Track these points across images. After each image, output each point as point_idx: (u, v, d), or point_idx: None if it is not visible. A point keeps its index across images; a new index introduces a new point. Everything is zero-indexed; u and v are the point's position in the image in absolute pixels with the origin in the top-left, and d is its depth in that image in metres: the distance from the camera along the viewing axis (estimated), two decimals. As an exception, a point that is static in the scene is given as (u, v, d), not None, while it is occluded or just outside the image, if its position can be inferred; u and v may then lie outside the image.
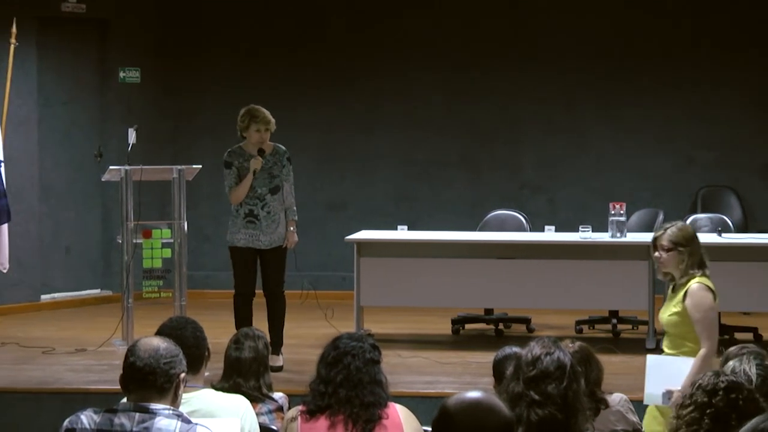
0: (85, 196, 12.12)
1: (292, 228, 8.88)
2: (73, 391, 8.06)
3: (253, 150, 8.79)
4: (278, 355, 8.73)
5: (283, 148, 8.93)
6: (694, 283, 6.47)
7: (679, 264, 6.49)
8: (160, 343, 3.97)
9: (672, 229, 6.55)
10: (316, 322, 9.96)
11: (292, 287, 12.20)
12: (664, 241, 6.52)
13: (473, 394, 3.29)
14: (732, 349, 4.78)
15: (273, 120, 8.82)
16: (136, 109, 12.18)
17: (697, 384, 3.90)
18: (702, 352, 6.35)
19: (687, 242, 6.51)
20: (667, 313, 6.57)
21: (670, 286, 6.67)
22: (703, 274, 6.50)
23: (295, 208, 8.94)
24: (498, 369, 5.26)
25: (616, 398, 5.51)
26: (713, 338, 6.40)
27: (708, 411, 3.81)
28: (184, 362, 3.99)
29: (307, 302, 11.52)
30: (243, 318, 8.73)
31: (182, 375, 3.96)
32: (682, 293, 6.49)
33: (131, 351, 3.95)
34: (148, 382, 3.89)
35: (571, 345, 5.41)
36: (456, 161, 12.49)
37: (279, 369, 8.55)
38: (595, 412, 5.23)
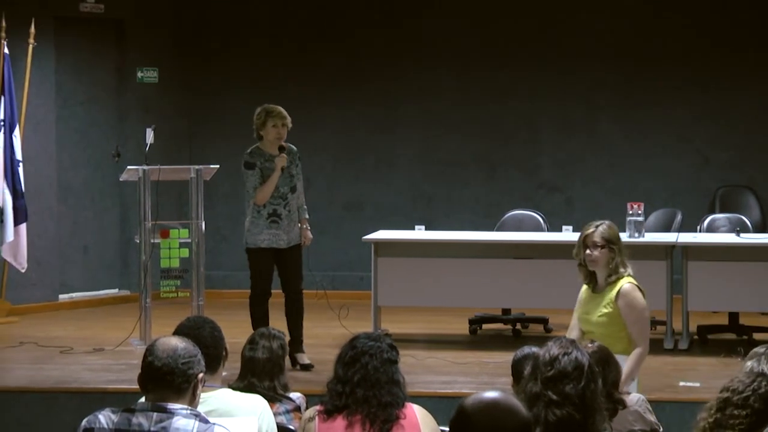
0: (103, 196, 12.15)
1: (306, 226, 8.89)
2: (90, 391, 8.07)
3: (272, 148, 8.76)
4: (304, 352, 8.75)
5: (294, 147, 8.92)
6: (626, 283, 6.46)
7: (609, 262, 6.47)
8: (179, 343, 3.96)
9: (603, 227, 6.56)
10: (333, 322, 9.96)
11: (309, 287, 12.24)
12: (597, 238, 6.51)
13: (491, 394, 3.28)
14: (758, 348, 4.76)
15: (289, 117, 8.80)
16: (153, 109, 12.20)
17: (750, 386, 3.77)
18: (638, 351, 6.40)
19: (617, 240, 6.52)
20: (596, 314, 6.51)
21: (587, 287, 6.63)
22: (629, 274, 6.47)
23: (305, 206, 8.95)
24: (516, 369, 5.24)
25: (633, 398, 5.50)
26: (647, 337, 6.47)
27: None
28: (202, 363, 3.98)
29: (325, 302, 11.53)
30: (261, 318, 8.72)
31: (200, 375, 3.95)
32: (613, 293, 6.46)
33: (150, 350, 3.95)
34: (165, 382, 3.89)
35: (590, 345, 5.41)
36: (473, 161, 12.48)
37: (309, 367, 8.59)
38: (612, 412, 5.21)
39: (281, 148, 8.74)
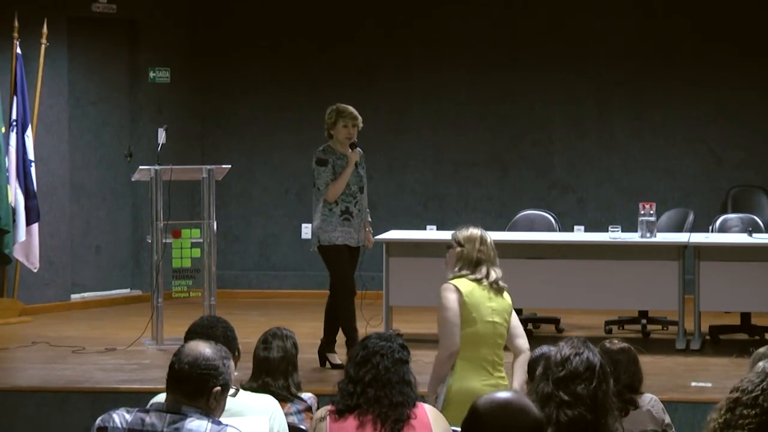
0: (115, 196, 12.17)
1: (369, 229, 8.88)
2: (103, 391, 8.07)
3: (342, 148, 8.73)
4: (336, 353, 8.77)
5: (361, 150, 8.89)
6: (444, 283, 6.32)
7: (455, 264, 6.40)
8: (205, 351, 3.92)
9: (461, 228, 6.47)
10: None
11: (321, 287, 12.24)
12: (450, 239, 6.45)
13: (503, 395, 3.28)
14: (762, 349, 4.76)
15: (360, 117, 8.80)
16: (165, 109, 12.22)
17: (759, 386, 3.74)
18: (437, 353, 6.21)
19: (464, 242, 6.39)
20: None
21: None
22: (466, 276, 6.26)
23: (368, 209, 8.95)
24: (533, 368, 5.26)
25: (645, 398, 5.50)
26: (446, 339, 6.17)
27: None
28: (226, 376, 3.94)
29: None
30: (354, 314, 8.70)
31: (216, 389, 3.91)
32: None
33: (177, 352, 3.94)
34: (180, 386, 3.89)
35: (616, 342, 5.42)
36: (485, 161, 12.48)
37: (341, 366, 8.57)
38: (623, 412, 5.21)
39: (353, 146, 8.72)
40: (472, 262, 6.30)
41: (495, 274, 6.29)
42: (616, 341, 5.46)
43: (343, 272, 8.76)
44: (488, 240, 6.38)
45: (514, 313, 6.37)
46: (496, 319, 6.23)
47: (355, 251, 8.83)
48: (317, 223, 8.73)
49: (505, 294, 6.33)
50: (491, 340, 6.19)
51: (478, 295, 6.22)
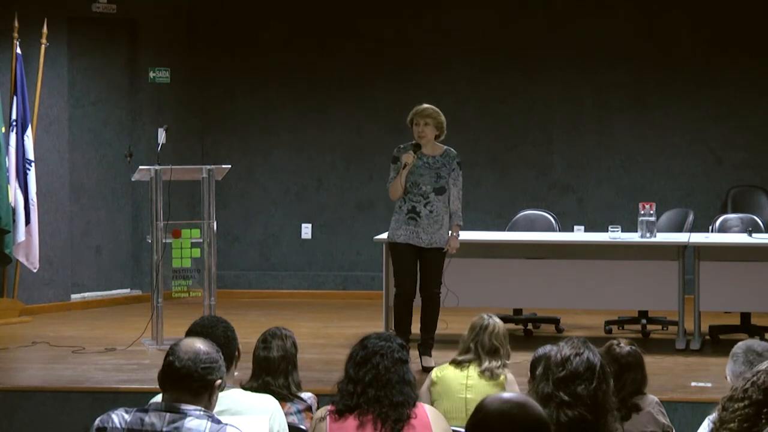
0: (115, 196, 12.17)
1: (455, 233, 8.71)
2: (102, 390, 8.07)
3: (424, 147, 8.71)
4: (430, 356, 8.63)
5: (455, 152, 8.77)
6: None
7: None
8: (202, 347, 3.95)
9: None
10: (345, 322, 9.97)
11: (319, 287, 12.25)
12: None
13: (510, 396, 3.27)
14: (736, 349, 4.76)
15: (436, 116, 8.68)
16: (165, 109, 12.22)
17: (750, 380, 3.80)
18: None
19: (468, 329, 6.50)
20: None
21: None
22: (453, 361, 6.49)
23: (460, 213, 8.76)
24: (534, 367, 5.27)
25: (647, 400, 5.49)
26: None
27: (765, 410, 3.72)
28: (223, 369, 3.97)
29: (334, 302, 11.53)
30: (402, 319, 8.62)
31: (218, 382, 3.94)
32: None
33: (172, 350, 3.95)
34: (183, 384, 3.89)
35: (623, 345, 5.41)
36: (485, 161, 12.47)
37: (429, 369, 8.50)
38: (626, 417, 5.22)
39: (416, 146, 8.66)
40: (465, 346, 6.43)
41: (488, 363, 6.34)
42: (623, 343, 5.44)
43: (398, 273, 8.70)
44: (492, 329, 6.44)
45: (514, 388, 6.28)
46: (469, 395, 6.24)
47: (427, 252, 8.66)
48: (391, 220, 8.77)
49: (502, 379, 6.31)
50: (461, 414, 6.15)
51: (450, 376, 6.35)
